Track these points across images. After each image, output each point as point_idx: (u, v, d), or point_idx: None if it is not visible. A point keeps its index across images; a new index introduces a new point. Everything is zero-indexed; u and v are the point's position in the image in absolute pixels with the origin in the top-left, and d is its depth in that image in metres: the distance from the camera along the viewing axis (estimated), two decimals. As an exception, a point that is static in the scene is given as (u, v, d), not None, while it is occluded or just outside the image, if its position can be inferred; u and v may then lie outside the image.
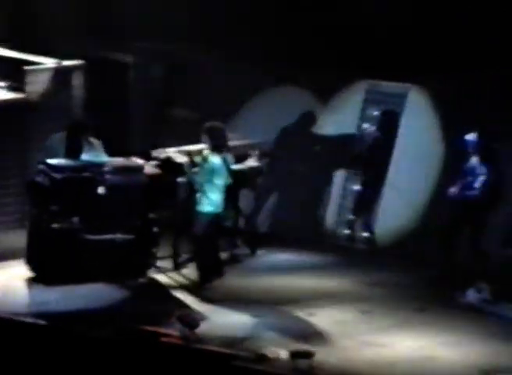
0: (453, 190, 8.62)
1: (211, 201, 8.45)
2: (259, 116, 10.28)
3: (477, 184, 8.46)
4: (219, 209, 8.52)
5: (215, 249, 8.63)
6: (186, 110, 10.67)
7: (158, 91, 10.77)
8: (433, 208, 9.27)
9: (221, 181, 8.50)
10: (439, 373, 7.17)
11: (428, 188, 9.47)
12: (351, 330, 7.80)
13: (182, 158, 8.94)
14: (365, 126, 9.91)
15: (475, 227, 8.58)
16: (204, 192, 8.44)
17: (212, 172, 8.45)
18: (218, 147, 8.50)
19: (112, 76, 10.59)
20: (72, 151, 8.85)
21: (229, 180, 8.56)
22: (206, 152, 8.53)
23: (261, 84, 10.30)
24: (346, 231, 9.83)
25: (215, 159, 8.48)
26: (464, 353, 7.42)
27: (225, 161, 8.53)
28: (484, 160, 8.51)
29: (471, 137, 8.63)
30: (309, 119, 10.21)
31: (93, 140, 9.05)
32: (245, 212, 9.54)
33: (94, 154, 8.91)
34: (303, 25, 10.12)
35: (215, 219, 8.50)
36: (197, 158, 8.64)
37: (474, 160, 8.58)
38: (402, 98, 9.75)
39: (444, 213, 8.85)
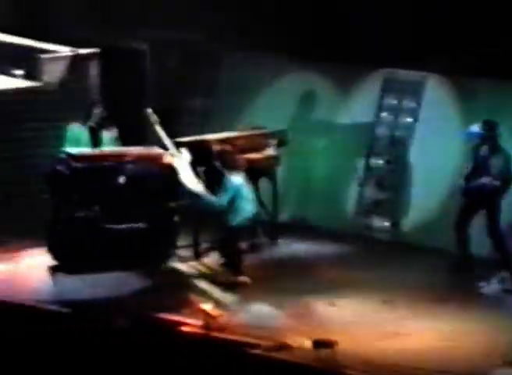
0: (462, 181, 8.68)
1: (242, 213, 8.42)
2: (276, 104, 10.25)
3: (493, 172, 8.50)
4: (246, 224, 8.49)
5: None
6: (201, 99, 10.65)
7: (173, 80, 10.74)
8: (454, 198, 9.25)
9: (248, 198, 8.45)
10: (462, 362, 7.16)
11: (448, 178, 9.45)
12: (373, 319, 7.79)
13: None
14: (383, 114, 9.91)
15: (493, 215, 8.61)
16: (233, 209, 8.39)
17: (238, 191, 8.40)
18: (234, 169, 8.44)
19: (127, 64, 10.57)
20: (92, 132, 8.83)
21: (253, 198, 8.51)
22: (227, 178, 8.41)
23: (278, 73, 10.27)
24: (367, 220, 9.84)
25: (236, 179, 8.43)
26: (487, 342, 7.42)
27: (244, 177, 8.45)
28: (494, 149, 8.56)
29: (475, 128, 8.67)
30: (327, 107, 10.19)
31: (110, 127, 9.05)
32: (265, 202, 9.54)
33: (111, 141, 8.91)
34: (321, 12, 10.08)
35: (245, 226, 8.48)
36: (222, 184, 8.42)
37: (484, 149, 8.61)
38: (420, 86, 9.73)
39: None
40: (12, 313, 7.73)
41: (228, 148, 8.65)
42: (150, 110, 8.87)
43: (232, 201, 8.36)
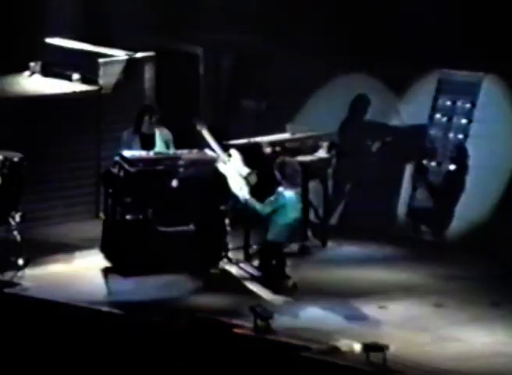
0: None
1: (281, 229, 8.40)
2: (329, 106, 10.24)
3: None
4: (284, 239, 8.46)
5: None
6: (255, 101, 10.70)
7: (227, 82, 10.81)
8: (508, 202, 9.15)
9: (292, 215, 8.43)
10: (515, 368, 7.11)
11: (502, 180, 9.36)
12: (424, 323, 7.75)
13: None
14: (437, 116, 9.84)
15: None
16: (273, 223, 8.39)
17: (284, 205, 8.38)
18: (291, 183, 8.44)
19: (183, 67, 10.67)
20: (142, 137, 8.92)
21: (299, 215, 8.49)
22: (280, 190, 8.42)
23: (330, 74, 10.26)
24: (418, 223, 9.79)
25: (288, 193, 8.42)
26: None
27: (298, 195, 8.44)
28: None
29: None
30: (380, 109, 10.16)
31: (163, 130, 9.14)
32: (315, 204, 9.56)
33: (164, 144, 9.01)
34: (373, 12, 10.05)
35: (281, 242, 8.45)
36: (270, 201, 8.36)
37: None
38: (476, 87, 9.64)
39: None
40: (67, 314, 7.87)
41: (291, 160, 8.62)
42: (196, 118, 8.95)
43: (275, 214, 8.35)
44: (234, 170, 8.64)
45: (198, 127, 8.88)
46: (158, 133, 9.11)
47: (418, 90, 9.95)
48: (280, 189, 8.45)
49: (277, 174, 8.48)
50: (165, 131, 9.17)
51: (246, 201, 8.47)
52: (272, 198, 8.42)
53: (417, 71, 9.84)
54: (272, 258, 8.46)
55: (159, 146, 9.08)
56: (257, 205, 8.43)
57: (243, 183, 8.57)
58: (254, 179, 8.60)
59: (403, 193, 9.91)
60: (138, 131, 9.01)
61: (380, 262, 9.05)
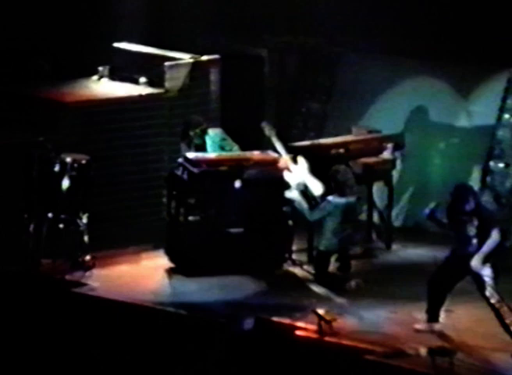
0: None
1: (330, 238, 8.43)
2: (394, 108, 10.17)
3: None
4: (336, 248, 8.47)
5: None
6: (318, 103, 10.68)
7: (292, 85, 10.81)
8: None
9: (339, 222, 8.44)
10: None
11: None
12: (491, 328, 7.61)
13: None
14: (506, 116, 9.68)
15: None
16: (323, 232, 8.43)
17: (332, 214, 8.41)
18: (342, 191, 8.45)
19: (248, 70, 10.71)
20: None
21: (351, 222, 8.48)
22: (330, 198, 8.46)
23: (395, 75, 10.18)
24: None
25: (338, 201, 8.42)
26: None
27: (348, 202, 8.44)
28: None
29: None
30: (444, 110, 10.04)
31: (215, 130, 9.07)
32: (379, 206, 9.49)
33: (217, 145, 8.97)
34: (436, 13, 9.94)
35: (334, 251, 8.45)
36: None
37: None
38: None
39: None
40: (132, 314, 7.97)
41: (344, 168, 8.59)
42: (265, 122, 8.97)
43: (324, 221, 8.36)
44: (298, 177, 8.64)
45: (267, 132, 8.89)
46: (208, 136, 9.07)
47: (486, 90, 9.81)
48: (330, 197, 8.46)
49: (332, 182, 8.50)
50: (217, 131, 9.13)
51: (298, 203, 8.48)
52: (321, 205, 8.44)
53: (485, 71, 9.70)
54: (327, 266, 8.45)
55: (211, 148, 9.06)
56: (306, 210, 8.46)
57: (301, 188, 8.55)
58: (316, 192, 8.59)
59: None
60: (191, 146, 9.01)
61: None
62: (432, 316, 7.67)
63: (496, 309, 7.45)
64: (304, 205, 8.51)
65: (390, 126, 9.80)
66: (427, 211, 7.75)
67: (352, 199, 8.56)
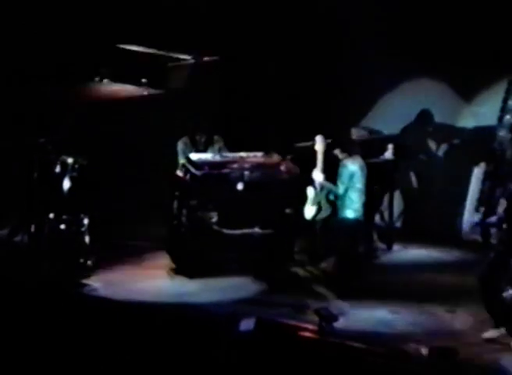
0: None
1: (354, 206, 8.42)
2: (396, 109, 10.17)
3: None
4: (361, 214, 8.47)
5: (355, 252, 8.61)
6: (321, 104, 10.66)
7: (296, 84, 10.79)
8: None
9: (360, 185, 8.45)
10: None
11: None
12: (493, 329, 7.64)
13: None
14: (507, 117, 9.67)
15: None
16: (346, 198, 8.41)
17: (352, 176, 8.41)
18: (351, 153, 8.46)
19: (250, 71, 10.69)
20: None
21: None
22: (341, 156, 8.46)
23: (399, 78, 10.18)
24: (485, 226, 9.63)
25: (352, 164, 8.44)
26: None
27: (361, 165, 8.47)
28: None
29: None
30: (447, 112, 10.04)
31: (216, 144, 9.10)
32: (381, 207, 9.49)
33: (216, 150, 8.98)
34: (443, 17, 9.94)
35: (356, 224, 8.45)
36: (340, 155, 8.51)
37: None
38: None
39: None
40: (133, 314, 7.97)
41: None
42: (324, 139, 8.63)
43: (351, 188, 8.38)
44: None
45: (317, 146, 8.60)
46: (211, 147, 9.01)
47: (487, 91, 9.81)
48: (342, 163, 8.42)
49: (335, 151, 8.45)
50: (216, 137, 9.10)
51: (322, 186, 8.48)
52: (338, 176, 8.40)
53: (486, 74, 9.71)
54: (356, 237, 8.43)
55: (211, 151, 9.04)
56: (333, 187, 8.45)
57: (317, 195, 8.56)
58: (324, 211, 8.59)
59: (470, 195, 9.78)
60: (192, 149, 8.99)
61: (446, 266, 8.95)
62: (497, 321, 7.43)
63: None
64: (329, 184, 8.49)
65: (391, 127, 9.79)
66: (475, 219, 7.58)
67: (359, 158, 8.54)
